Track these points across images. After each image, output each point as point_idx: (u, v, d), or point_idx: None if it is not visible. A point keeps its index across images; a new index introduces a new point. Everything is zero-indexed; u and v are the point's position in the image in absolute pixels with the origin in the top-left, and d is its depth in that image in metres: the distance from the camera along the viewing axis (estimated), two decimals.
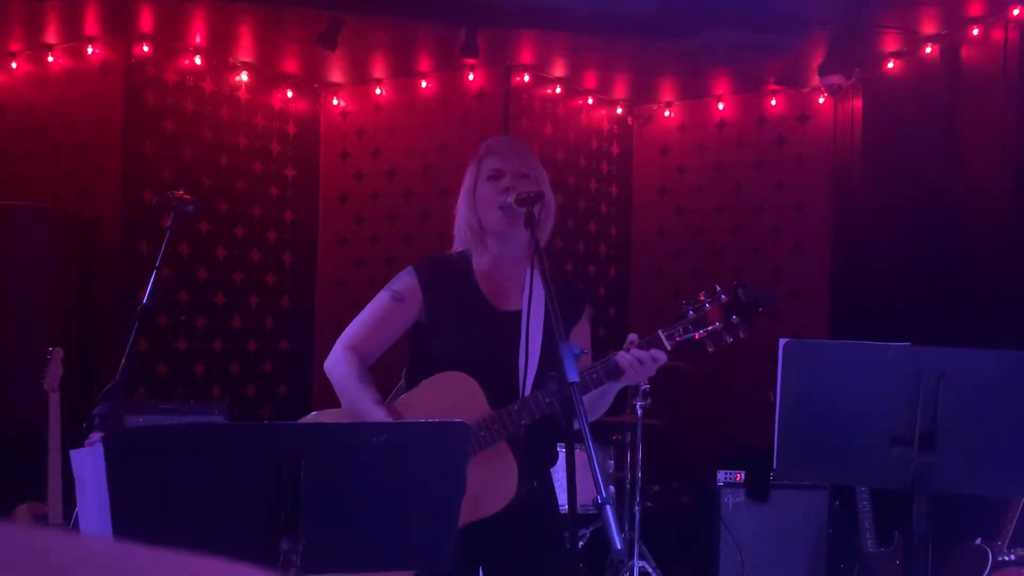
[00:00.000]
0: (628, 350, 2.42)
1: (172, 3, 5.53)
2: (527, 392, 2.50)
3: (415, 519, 1.98)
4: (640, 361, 2.40)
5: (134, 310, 2.63)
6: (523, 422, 2.44)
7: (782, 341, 2.33)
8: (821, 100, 6.59)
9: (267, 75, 6.55)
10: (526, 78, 6.50)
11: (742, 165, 6.83)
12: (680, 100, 7.04)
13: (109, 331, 5.67)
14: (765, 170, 6.75)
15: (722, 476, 5.26)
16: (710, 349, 2.48)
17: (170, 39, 5.98)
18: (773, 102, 6.74)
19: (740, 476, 5.25)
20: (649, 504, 5.29)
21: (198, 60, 6.13)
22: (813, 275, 6.54)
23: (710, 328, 2.46)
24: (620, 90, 6.95)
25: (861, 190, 6.14)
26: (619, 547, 1.88)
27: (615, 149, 7.14)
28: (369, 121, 6.80)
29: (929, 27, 5.42)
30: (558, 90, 6.71)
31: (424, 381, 2.54)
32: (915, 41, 5.58)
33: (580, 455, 2.28)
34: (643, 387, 4.92)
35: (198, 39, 6.04)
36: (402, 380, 2.68)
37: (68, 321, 5.56)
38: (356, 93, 6.85)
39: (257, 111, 6.54)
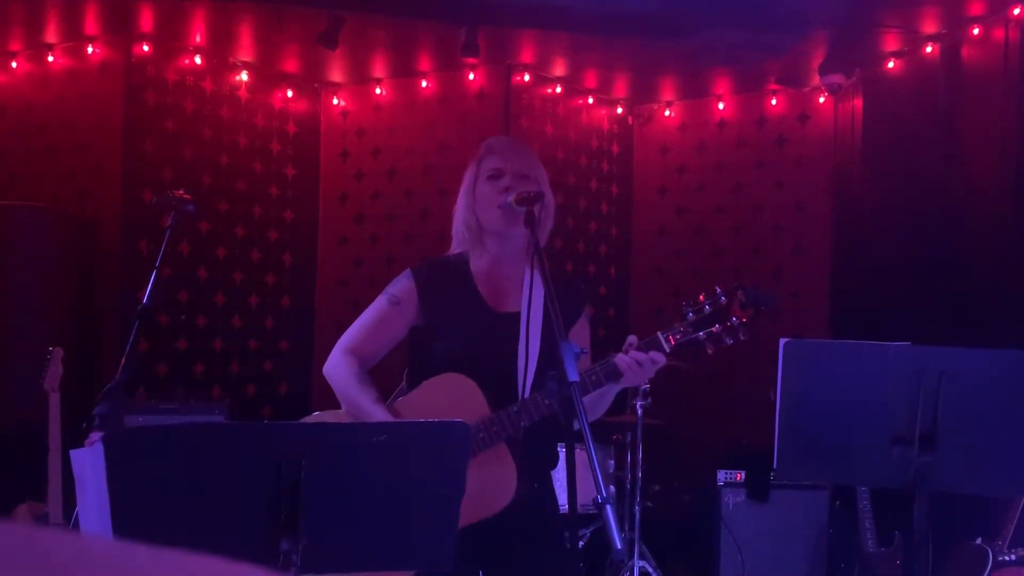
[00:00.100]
0: (627, 352, 2.42)
1: (172, 3, 5.53)
2: (526, 394, 2.50)
3: (415, 519, 1.98)
4: (639, 363, 2.40)
5: (134, 310, 2.63)
6: (522, 424, 2.43)
7: (782, 341, 2.33)
8: (821, 100, 6.59)
9: (267, 75, 6.55)
10: (526, 77, 6.50)
11: (742, 165, 6.83)
12: (680, 100, 7.04)
13: (109, 331, 5.67)
14: (765, 170, 6.75)
15: (722, 476, 5.26)
16: (709, 351, 2.47)
17: (170, 39, 5.98)
18: (773, 102, 6.74)
19: (740, 476, 5.25)
20: (649, 504, 5.29)
21: (198, 60, 6.13)
22: (813, 275, 6.54)
23: (710, 330, 2.45)
24: (620, 89, 6.95)
25: (861, 190, 6.14)
26: (619, 547, 1.88)
27: (615, 148, 7.14)
28: (369, 121, 6.80)
29: (929, 26, 5.42)
30: (558, 89, 6.71)
31: (424, 383, 2.54)
32: (915, 40, 5.58)
33: (580, 455, 2.28)
34: (643, 387, 4.92)
35: (198, 39, 6.04)
36: (403, 381, 2.69)
37: (68, 321, 5.56)
38: (356, 93, 6.85)
39: (257, 111, 6.54)
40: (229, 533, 1.87)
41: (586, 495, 3.49)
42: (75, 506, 2.05)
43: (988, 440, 2.30)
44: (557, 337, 2.10)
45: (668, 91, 6.94)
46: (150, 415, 5.04)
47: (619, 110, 7.12)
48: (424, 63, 6.47)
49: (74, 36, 5.93)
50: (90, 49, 5.94)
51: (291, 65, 6.55)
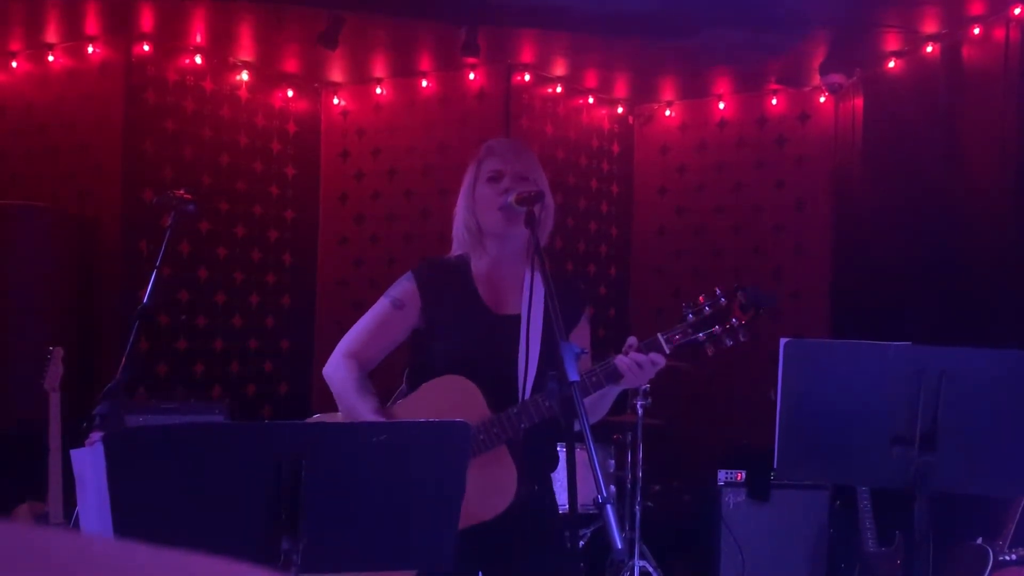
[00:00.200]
0: (627, 353, 2.42)
1: (172, 2, 5.53)
2: (527, 395, 2.50)
3: (415, 519, 1.98)
4: (639, 365, 2.39)
5: (134, 310, 2.63)
6: (522, 426, 2.43)
7: (783, 341, 2.33)
8: (822, 99, 6.59)
9: (267, 74, 6.55)
10: (527, 77, 6.49)
11: (742, 165, 6.83)
12: (681, 99, 7.04)
13: (109, 331, 5.67)
14: (765, 170, 6.75)
15: (723, 476, 5.26)
16: (709, 352, 2.47)
17: (170, 38, 5.98)
18: (774, 101, 6.74)
19: (741, 476, 5.25)
20: (650, 504, 5.29)
21: (198, 59, 6.13)
22: (813, 275, 6.54)
23: (710, 331, 2.45)
24: (621, 89, 6.95)
25: (861, 190, 6.14)
26: (620, 547, 1.88)
27: (616, 148, 7.14)
28: (369, 120, 6.80)
29: (930, 26, 5.42)
30: (559, 89, 6.71)
31: (424, 384, 2.54)
32: (916, 40, 5.58)
33: (581, 455, 2.28)
34: (643, 387, 4.92)
35: (198, 38, 6.04)
36: (403, 383, 2.68)
37: (68, 321, 5.56)
38: (356, 92, 6.85)
39: (257, 110, 6.54)
40: (229, 533, 1.87)
41: (586, 495, 3.49)
42: (75, 506, 2.06)
43: (988, 440, 2.30)
44: (557, 338, 2.10)
45: (668, 91, 6.94)
46: (150, 415, 5.04)
47: (619, 110, 7.12)
48: (424, 63, 6.47)
49: (74, 36, 5.93)
50: (90, 49, 5.94)
51: (291, 65, 6.55)
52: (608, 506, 1.89)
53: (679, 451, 6.18)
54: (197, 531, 1.85)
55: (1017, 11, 4.87)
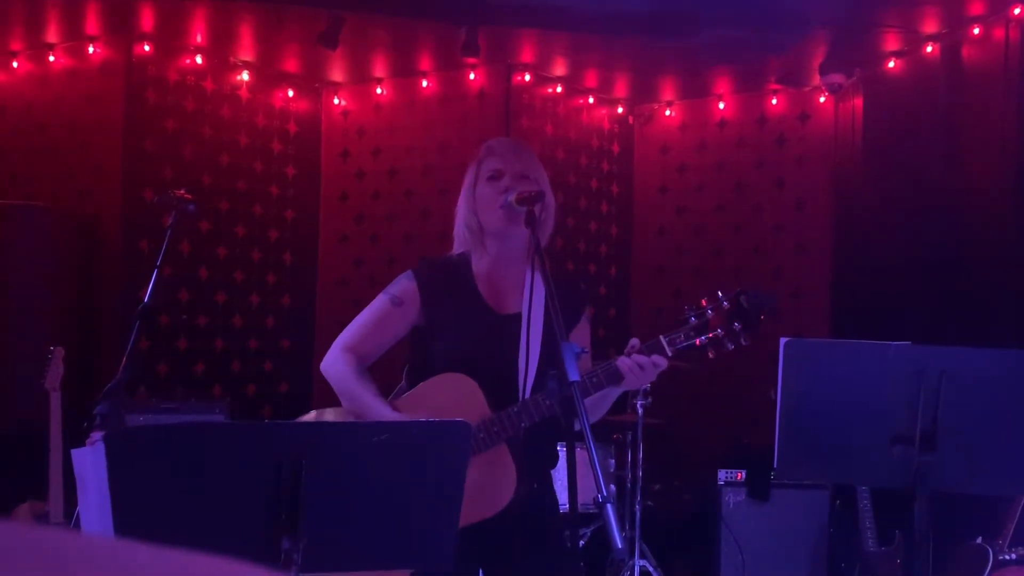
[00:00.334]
0: (629, 355, 2.42)
1: (173, 2, 5.53)
2: (527, 394, 2.50)
3: (415, 519, 1.98)
4: (641, 367, 2.40)
5: (135, 309, 2.63)
6: (522, 424, 2.43)
7: (783, 340, 2.33)
8: (822, 99, 6.59)
9: (268, 74, 6.55)
10: (527, 77, 6.50)
11: (743, 164, 6.83)
12: (681, 99, 7.04)
13: (109, 330, 5.68)
14: (766, 169, 6.75)
15: (723, 475, 5.26)
16: (711, 355, 2.47)
17: (171, 38, 5.98)
18: (774, 101, 6.74)
19: (741, 475, 5.25)
20: (650, 503, 5.29)
21: (199, 59, 6.13)
22: (813, 275, 6.54)
23: (712, 335, 2.45)
24: (621, 89, 6.95)
25: (861, 190, 6.14)
26: (620, 546, 1.88)
27: (616, 148, 7.14)
28: (370, 120, 6.80)
29: (930, 26, 5.42)
30: (559, 89, 6.71)
31: (424, 382, 2.54)
32: (916, 40, 5.58)
33: (581, 454, 2.28)
34: (644, 386, 4.92)
35: (199, 38, 6.04)
36: (403, 380, 2.69)
37: (68, 320, 5.56)
38: (357, 92, 6.85)
39: (258, 110, 6.54)
40: (229, 533, 1.88)
41: (587, 494, 3.49)
42: (76, 505, 2.06)
43: (988, 440, 2.30)
44: (558, 337, 2.10)
45: (668, 91, 6.94)
46: (151, 414, 5.04)
47: (619, 110, 7.12)
48: (424, 63, 6.47)
49: (75, 36, 5.93)
50: (91, 49, 5.94)
51: (292, 65, 6.56)
52: (608, 505, 1.89)
53: (679, 450, 6.19)
54: (197, 531, 1.86)
55: (1017, 11, 4.87)
